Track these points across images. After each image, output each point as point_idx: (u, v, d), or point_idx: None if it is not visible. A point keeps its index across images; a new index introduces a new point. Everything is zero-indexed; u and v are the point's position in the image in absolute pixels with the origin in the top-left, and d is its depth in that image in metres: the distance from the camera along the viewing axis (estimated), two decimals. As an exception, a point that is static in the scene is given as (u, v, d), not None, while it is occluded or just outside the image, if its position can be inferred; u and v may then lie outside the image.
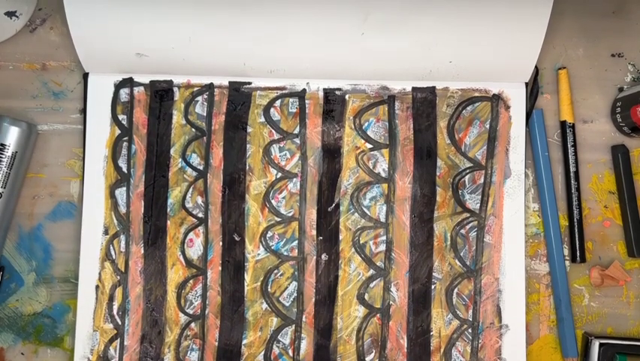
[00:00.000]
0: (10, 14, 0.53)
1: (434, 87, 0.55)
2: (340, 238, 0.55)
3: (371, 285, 0.54)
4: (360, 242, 0.55)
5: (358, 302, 0.54)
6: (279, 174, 0.55)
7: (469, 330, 0.54)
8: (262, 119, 0.55)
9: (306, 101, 0.55)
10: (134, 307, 0.54)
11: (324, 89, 0.55)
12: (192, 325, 0.54)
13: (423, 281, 0.54)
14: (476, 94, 0.55)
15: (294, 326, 0.54)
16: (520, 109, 0.55)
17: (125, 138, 0.55)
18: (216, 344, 0.54)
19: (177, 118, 0.55)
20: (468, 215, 0.55)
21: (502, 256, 0.54)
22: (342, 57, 0.54)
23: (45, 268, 0.55)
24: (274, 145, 0.55)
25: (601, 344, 0.53)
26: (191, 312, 0.54)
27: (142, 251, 0.54)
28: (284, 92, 0.55)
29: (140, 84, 0.55)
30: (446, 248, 0.54)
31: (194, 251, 0.55)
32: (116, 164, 0.55)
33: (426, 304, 0.54)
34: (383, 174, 0.55)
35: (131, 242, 0.54)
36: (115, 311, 0.54)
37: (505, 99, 0.55)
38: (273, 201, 0.55)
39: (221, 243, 0.54)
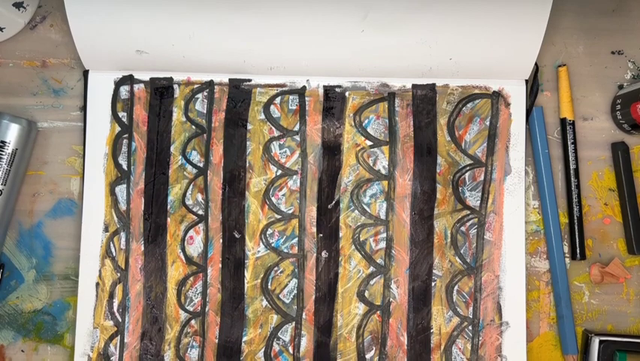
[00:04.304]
0: (18, 5, 0.53)
1: (434, 84, 0.55)
2: (340, 235, 0.55)
3: (371, 282, 0.54)
4: (361, 239, 0.55)
5: (358, 299, 0.54)
6: (279, 172, 0.55)
7: (470, 327, 0.54)
8: (262, 117, 0.55)
9: (306, 99, 0.55)
10: (135, 305, 0.54)
11: (324, 87, 0.55)
12: (192, 322, 0.54)
13: (423, 278, 0.54)
14: (476, 91, 0.55)
15: (294, 323, 0.54)
16: (520, 106, 0.55)
17: (126, 136, 0.55)
18: (216, 341, 0.54)
19: (177, 115, 0.55)
20: (468, 212, 0.55)
21: (502, 253, 0.54)
22: (342, 54, 0.54)
23: (45, 266, 0.55)
24: (274, 142, 0.55)
25: (601, 341, 0.53)
26: (191, 309, 0.54)
27: (142, 248, 0.54)
28: (284, 89, 0.55)
29: (140, 81, 0.55)
30: (446, 245, 0.54)
31: (195, 248, 0.55)
32: (116, 161, 0.55)
33: (426, 302, 0.54)
34: (383, 172, 0.55)
35: (132, 239, 0.54)
36: (115, 308, 0.54)
37: (506, 96, 0.55)
38: (273, 199, 0.55)
39: (221, 240, 0.54)
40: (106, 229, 0.54)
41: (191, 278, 0.54)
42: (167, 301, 0.54)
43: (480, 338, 0.54)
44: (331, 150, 0.55)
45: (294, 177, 0.55)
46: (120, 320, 0.54)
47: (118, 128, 0.55)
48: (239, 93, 0.55)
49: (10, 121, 0.52)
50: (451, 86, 0.55)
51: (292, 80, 0.55)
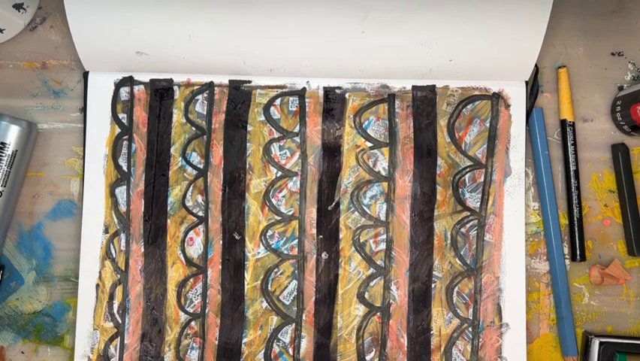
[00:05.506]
0: (18, 6, 0.53)
1: (434, 86, 0.55)
2: (340, 236, 0.55)
3: (371, 284, 0.54)
4: (361, 241, 0.55)
5: (358, 301, 0.54)
6: (279, 173, 0.55)
7: (470, 329, 0.54)
8: (262, 118, 0.55)
9: (306, 100, 0.55)
10: (135, 306, 0.54)
11: (324, 88, 0.55)
12: (192, 323, 0.54)
13: (423, 280, 0.54)
14: (476, 92, 0.55)
15: (294, 324, 0.54)
16: (520, 108, 0.55)
17: (126, 137, 0.55)
18: (216, 342, 0.54)
19: (177, 117, 0.55)
20: (468, 214, 0.55)
21: (502, 254, 0.54)
22: (342, 55, 0.54)
23: (45, 267, 0.55)
24: (274, 144, 0.55)
25: (601, 343, 0.53)
26: (191, 311, 0.54)
27: (142, 250, 0.54)
28: (284, 90, 0.55)
29: (140, 83, 0.55)
30: (446, 247, 0.54)
31: (195, 250, 0.55)
32: (116, 163, 0.55)
33: (426, 303, 0.54)
34: (383, 173, 0.55)
35: (132, 241, 0.54)
36: (115, 310, 0.54)
37: (506, 98, 0.55)
38: (273, 200, 0.55)
39: (221, 241, 0.54)
40: (106, 231, 0.54)
41: (191, 280, 0.54)
42: (167, 302, 0.54)
43: (480, 340, 0.54)
44: (331, 152, 0.55)
45: (294, 178, 0.55)
46: (120, 321, 0.54)
47: (118, 130, 0.55)
48: (239, 95, 0.55)
49: (10, 122, 0.52)
50: (451, 88, 0.55)
51: (292, 82, 0.55)
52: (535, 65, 0.55)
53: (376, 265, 0.54)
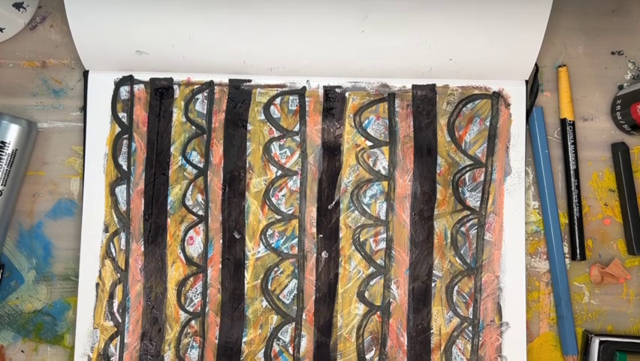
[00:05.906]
0: (18, 6, 0.53)
1: (434, 85, 0.55)
2: (340, 235, 0.55)
3: (371, 283, 0.54)
4: (361, 240, 0.55)
5: (358, 300, 0.54)
6: (279, 172, 0.55)
7: (470, 328, 0.54)
8: (262, 117, 0.55)
9: (306, 99, 0.55)
10: (135, 305, 0.54)
11: (324, 87, 0.55)
12: (192, 322, 0.54)
13: (423, 279, 0.54)
14: (476, 91, 0.55)
15: (294, 323, 0.54)
16: (520, 107, 0.55)
17: (126, 136, 0.55)
18: (216, 341, 0.54)
19: (177, 116, 0.55)
20: (468, 213, 0.55)
21: (502, 253, 0.54)
22: (342, 55, 0.54)
23: (45, 266, 0.55)
24: (274, 143, 0.55)
25: (601, 342, 0.53)
26: (191, 310, 0.54)
27: (142, 249, 0.54)
28: (284, 89, 0.55)
29: (140, 82, 0.55)
30: (446, 246, 0.54)
31: (195, 249, 0.55)
32: (116, 162, 0.55)
33: (426, 302, 0.54)
34: (383, 172, 0.55)
35: (132, 240, 0.54)
36: (115, 309, 0.54)
37: (506, 97, 0.55)
38: (273, 199, 0.55)
39: (221, 241, 0.54)
40: (106, 230, 0.54)
41: (191, 279, 0.54)
42: (167, 301, 0.54)
43: (480, 339, 0.54)
44: (331, 151, 0.55)
45: (294, 177, 0.55)
46: (120, 320, 0.54)
47: (118, 129, 0.55)
48: (239, 94, 0.55)
49: (10, 121, 0.52)
50: (451, 87, 0.55)
51: (292, 81, 0.55)
52: (535, 64, 0.55)
53: (376, 264, 0.54)
